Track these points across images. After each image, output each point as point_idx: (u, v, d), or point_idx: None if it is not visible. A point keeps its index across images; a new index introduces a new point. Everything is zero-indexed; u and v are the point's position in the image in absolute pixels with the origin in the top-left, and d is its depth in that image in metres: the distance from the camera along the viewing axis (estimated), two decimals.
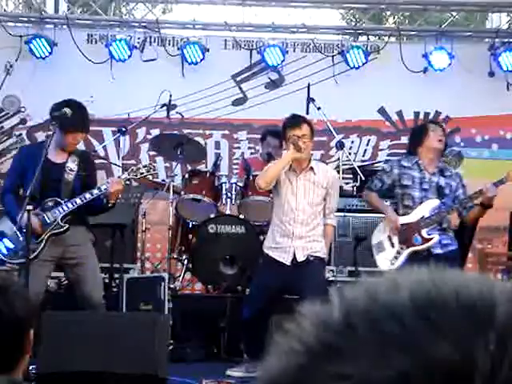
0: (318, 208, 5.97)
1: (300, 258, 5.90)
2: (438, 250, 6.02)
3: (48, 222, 5.69)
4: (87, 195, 5.70)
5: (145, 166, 6.06)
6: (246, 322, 6.04)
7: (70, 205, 5.70)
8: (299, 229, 5.92)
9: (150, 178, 6.34)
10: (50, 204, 5.72)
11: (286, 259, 5.91)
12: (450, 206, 6.04)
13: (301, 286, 5.75)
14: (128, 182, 6.17)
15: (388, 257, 6.17)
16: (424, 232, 6.00)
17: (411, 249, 6.05)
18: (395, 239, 6.13)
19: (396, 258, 6.12)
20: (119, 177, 5.87)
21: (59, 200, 5.72)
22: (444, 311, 0.56)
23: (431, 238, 5.99)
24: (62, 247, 5.79)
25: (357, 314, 0.57)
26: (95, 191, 5.71)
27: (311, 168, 5.97)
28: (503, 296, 0.57)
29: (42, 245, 5.69)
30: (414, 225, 6.03)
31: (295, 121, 5.99)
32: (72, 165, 5.81)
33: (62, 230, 5.72)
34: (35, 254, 5.61)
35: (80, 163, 5.85)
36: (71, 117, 5.66)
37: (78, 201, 5.70)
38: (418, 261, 5.85)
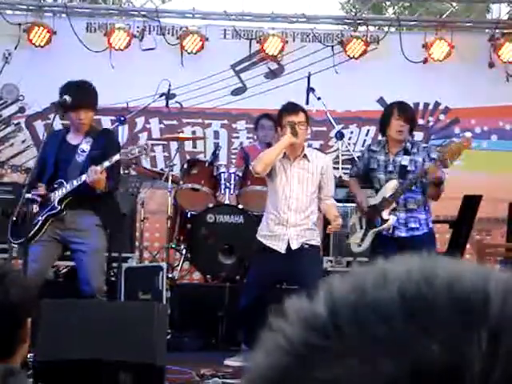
0: (312, 196, 5.96)
1: (294, 246, 5.89)
2: (403, 234, 5.99)
3: (47, 203, 5.72)
4: (82, 176, 5.65)
5: (138, 146, 5.94)
6: (243, 311, 6.04)
7: (68, 186, 5.71)
8: (293, 217, 5.91)
9: (143, 158, 6.18)
10: (55, 186, 5.75)
11: (281, 247, 5.90)
12: (404, 184, 5.97)
13: (297, 274, 5.76)
14: (125, 171, 6.10)
15: (356, 239, 6.25)
16: (384, 213, 5.99)
17: (373, 230, 6.08)
18: (363, 221, 6.20)
19: (363, 239, 6.19)
20: (101, 165, 5.62)
21: (63, 182, 5.73)
22: (434, 308, 0.54)
23: (387, 219, 5.97)
24: (63, 230, 5.79)
25: (343, 313, 0.55)
26: (83, 177, 5.65)
27: (305, 155, 5.96)
28: (498, 288, 0.55)
29: (38, 225, 5.69)
30: (376, 207, 6.05)
31: (292, 107, 5.99)
32: (85, 146, 5.79)
33: (55, 211, 5.72)
34: (31, 233, 5.63)
35: (94, 143, 5.80)
36: (71, 97, 5.66)
37: (75, 182, 5.68)
38: (381, 243, 5.93)
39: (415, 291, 0.55)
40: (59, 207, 5.71)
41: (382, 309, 0.54)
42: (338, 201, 7.38)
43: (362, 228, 6.22)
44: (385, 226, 6.00)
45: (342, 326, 0.54)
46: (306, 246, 5.92)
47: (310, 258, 5.90)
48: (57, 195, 5.72)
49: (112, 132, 6.39)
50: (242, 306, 6.06)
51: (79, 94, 5.76)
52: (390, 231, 6.01)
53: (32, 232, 5.65)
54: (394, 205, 5.98)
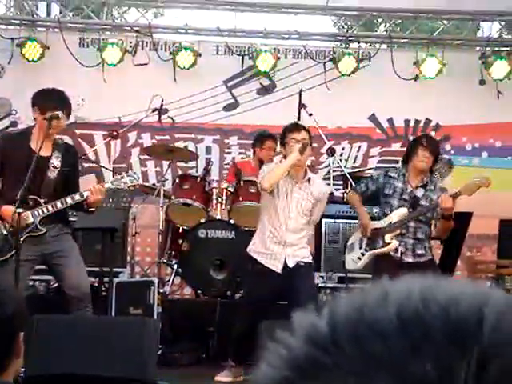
0: (306, 218, 6.03)
1: (290, 264, 5.95)
2: (410, 259, 6.13)
3: (26, 222, 5.49)
4: (68, 200, 5.56)
5: (128, 176, 5.89)
6: (238, 333, 6.05)
7: (50, 208, 5.54)
8: (291, 236, 5.96)
9: (131, 188, 6.16)
10: (31, 203, 5.54)
11: (277, 266, 5.94)
12: (413, 213, 6.11)
13: (292, 291, 5.79)
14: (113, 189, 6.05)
15: (353, 257, 6.37)
16: (386, 237, 6.13)
17: (372, 251, 6.21)
18: (364, 242, 6.31)
19: (359, 258, 6.32)
20: (103, 185, 5.70)
21: (39, 200, 5.55)
22: (429, 330, 0.56)
23: (389, 243, 6.11)
24: (40, 245, 5.63)
25: (344, 331, 0.58)
26: (77, 197, 5.56)
27: (308, 179, 6.01)
28: (493, 313, 0.56)
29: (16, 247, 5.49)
30: (380, 230, 6.17)
31: (295, 126, 6.10)
32: (56, 161, 5.65)
33: (39, 233, 5.56)
34: (9, 255, 5.46)
35: (63, 159, 5.69)
36: (43, 97, 5.62)
37: (59, 205, 5.55)
38: (387, 267, 5.97)
39: (412, 313, 0.57)
40: (43, 230, 5.55)
41: (380, 328, 0.56)
42: (329, 217, 7.43)
43: (360, 248, 6.34)
44: (385, 249, 6.12)
45: (342, 343, 0.57)
46: (302, 263, 5.97)
47: (305, 275, 5.96)
48: (37, 215, 5.53)
49: (76, 150, 6.27)
50: (238, 329, 6.06)
51: (58, 98, 5.68)
52: (398, 255, 6.11)
53: (11, 253, 5.46)
54: (398, 231, 6.12)
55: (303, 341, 0.58)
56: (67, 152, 5.80)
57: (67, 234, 5.82)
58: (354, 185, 7.58)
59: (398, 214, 6.13)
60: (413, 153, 6.17)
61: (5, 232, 5.54)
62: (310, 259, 6.11)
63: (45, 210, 5.55)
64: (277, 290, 5.95)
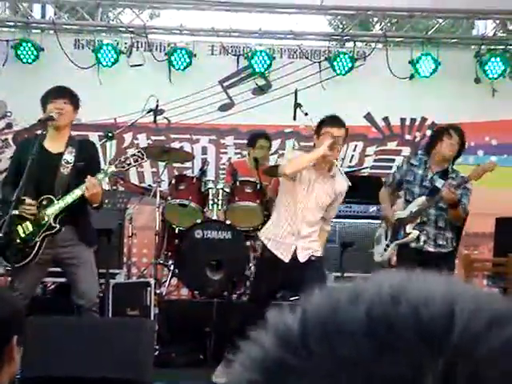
0: (323, 212, 5.97)
1: (301, 257, 5.88)
2: (431, 248, 6.23)
3: (42, 222, 5.50)
4: (78, 191, 5.44)
5: (133, 155, 5.70)
6: (240, 321, 5.95)
7: (62, 203, 5.48)
8: (305, 229, 5.90)
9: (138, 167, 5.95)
10: (44, 203, 5.51)
11: (286, 256, 5.88)
12: (430, 203, 6.18)
13: (304, 283, 5.74)
14: (113, 182, 5.97)
15: (379, 250, 6.50)
16: (408, 227, 6.24)
17: (395, 242, 6.32)
18: (389, 233, 6.41)
19: (385, 250, 6.43)
20: (96, 176, 5.47)
21: (52, 198, 5.50)
22: (396, 331, 0.55)
23: (410, 233, 6.22)
24: (55, 248, 5.60)
25: (314, 331, 0.57)
26: (78, 191, 5.45)
27: (333, 176, 5.89)
28: (463, 316, 0.56)
29: (36, 248, 5.50)
30: (402, 220, 6.28)
31: (337, 121, 5.90)
32: (69, 156, 5.58)
33: (54, 231, 5.52)
34: (30, 257, 5.46)
35: (78, 153, 5.61)
36: (45, 94, 5.61)
37: (70, 199, 5.47)
38: (408, 255, 6.15)
39: (382, 312, 0.56)
40: (57, 226, 5.51)
41: (349, 328, 0.56)
42: None
43: (386, 239, 6.44)
44: (406, 239, 6.24)
45: (312, 345, 0.56)
46: (313, 257, 5.94)
47: (316, 269, 5.91)
48: (50, 212, 5.49)
49: (94, 144, 6.13)
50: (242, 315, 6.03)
51: (59, 88, 5.69)
52: (421, 243, 6.20)
53: (32, 255, 5.48)
54: (417, 220, 6.22)
55: (274, 341, 0.58)
56: (82, 147, 5.72)
57: (81, 242, 5.67)
58: (350, 184, 7.60)
59: (417, 203, 6.23)
60: (438, 140, 6.26)
61: (23, 235, 5.53)
62: (320, 253, 6.04)
63: (57, 207, 5.50)
64: (285, 278, 5.89)
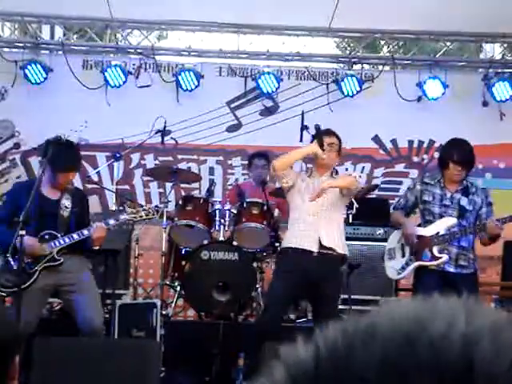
0: (339, 205, 5.96)
1: (325, 242, 5.78)
2: (451, 269, 6.02)
3: (45, 253, 5.70)
4: (85, 232, 5.75)
5: (144, 210, 6.08)
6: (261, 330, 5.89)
7: (66, 239, 5.73)
8: (324, 233, 5.84)
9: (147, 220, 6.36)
10: (47, 237, 5.73)
11: (313, 247, 5.79)
12: (464, 228, 6.04)
13: (318, 294, 5.76)
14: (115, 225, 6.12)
15: (396, 266, 6.25)
16: (435, 249, 6.03)
17: (419, 263, 6.09)
18: (407, 249, 6.19)
19: (403, 268, 6.20)
20: (107, 223, 5.86)
21: (56, 233, 5.74)
22: (413, 381, 0.53)
23: (440, 257, 6.01)
24: (56, 275, 5.76)
25: (326, 373, 0.56)
26: (85, 232, 5.76)
27: (333, 175, 6.03)
28: (485, 357, 0.53)
29: (35, 276, 5.66)
30: (427, 239, 6.07)
31: (328, 130, 6.16)
32: (66, 202, 5.86)
33: (56, 263, 5.73)
34: (26, 284, 5.57)
35: (73, 200, 5.90)
36: (62, 157, 5.72)
37: (75, 236, 5.74)
38: (427, 276, 5.97)
39: (396, 357, 0.54)
40: (61, 259, 5.73)
41: (362, 375, 0.54)
42: None
43: (403, 256, 6.21)
44: (435, 263, 6.02)
45: None
46: (332, 256, 5.84)
47: (332, 276, 5.84)
48: (54, 246, 5.71)
49: (84, 194, 6.53)
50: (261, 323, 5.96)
51: (71, 157, 5.86)
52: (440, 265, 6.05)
53: (30, 282, 5.62)
54: (446, 244, 6.03)
55: (286, 378, 0.56)
56: (76, 194, 6.04)
57: (86, 268, 5.95)
58: (357, 206, 7.58)
59: (447, 224, 6.04)
60: (444, 166, 6.10)
61: (25, 259, 5.62)
62: (342, 250, 5.90)
63: (61, 242, 5.73)
64: (310, 276, 5.76)
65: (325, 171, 5.99)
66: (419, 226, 6.20)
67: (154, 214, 6.12)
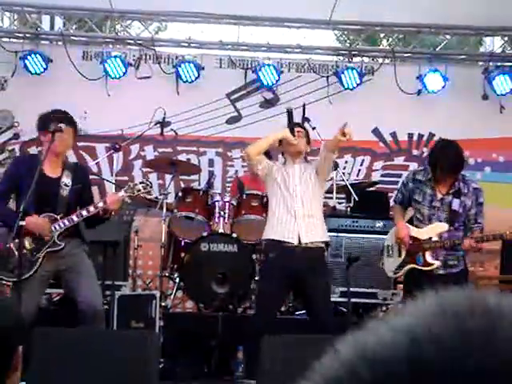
0: (319, 193, 6.01)
1: (304, 239, 5.81)
2: (441, 271, 6.07)
3: (46, 239, 5.62)
4: (84, 212, 5.63)
5: (141, 183, 5.94)
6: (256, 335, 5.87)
7: (66, 222, 5.63)
8: (302, 209, 5.89)
9: (147, 196, 6.26)
10: (47, 220, 5.63)
11: (293, 239, 5.81)
12: (454, 237, 6.04)
13: (306, 287, 5.77)
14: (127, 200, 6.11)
15: (393, 266, 6.33)
16: (428, 255, 6.07)
17: (412, 265, 6.15)
18: (403, 249, 6.23)
19: (400, 268, 6.27)
20: (118, 194, 5.80)
21: (55, 216, 5.64)
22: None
23: (432, 264, 6.05)
24: (56, 260, 5.69)
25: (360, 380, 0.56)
26: (91, 208, 5.63)
27: (306, 160, 6.17)
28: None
29: (38, 264, 5.59)
30: (420, 243, 6.11)
31: (295, 123, 6.26)
32: (66, 180, 5.75)
33: (58, 248, 5.65)
34: (30, 273, 5.53)
35: (74, 176, 5.80)
36: (50, 114, 5.69)
37: (75, 218, 5.63)
38: (417, 278, 6.00)
39: (424, 364, 0.55)
40: (62, 244, 5.65)
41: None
42: (332, 231, 7.39)
43: (400, 256, 6.27)
44: (427, 269, 6.05)
45: None
46: (316, 248, 5.88)
47: (319, 267, 5.86)
48: (54, 230, 5.61)
49: (87, 168, 6.44)
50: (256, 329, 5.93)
51: (59, 111, 5.78)
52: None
53: (33, 270, 5.56)
54: (439, 249, 6.06)
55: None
56: (77, 170, 5.93)
57: (83, 251, 5.86)
58: (357, 199, 7.59)
59: (440, 229, 6.05)
60: (433, 168, 6.01)
61: (28, 247, 5.59)
62: (325, 238, 5.97)
63: (61, 225, 5.64)
64: (294, 271, 5.77)
65: (298, 158, 6.05)
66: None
67: (151, 187, 6.01)
